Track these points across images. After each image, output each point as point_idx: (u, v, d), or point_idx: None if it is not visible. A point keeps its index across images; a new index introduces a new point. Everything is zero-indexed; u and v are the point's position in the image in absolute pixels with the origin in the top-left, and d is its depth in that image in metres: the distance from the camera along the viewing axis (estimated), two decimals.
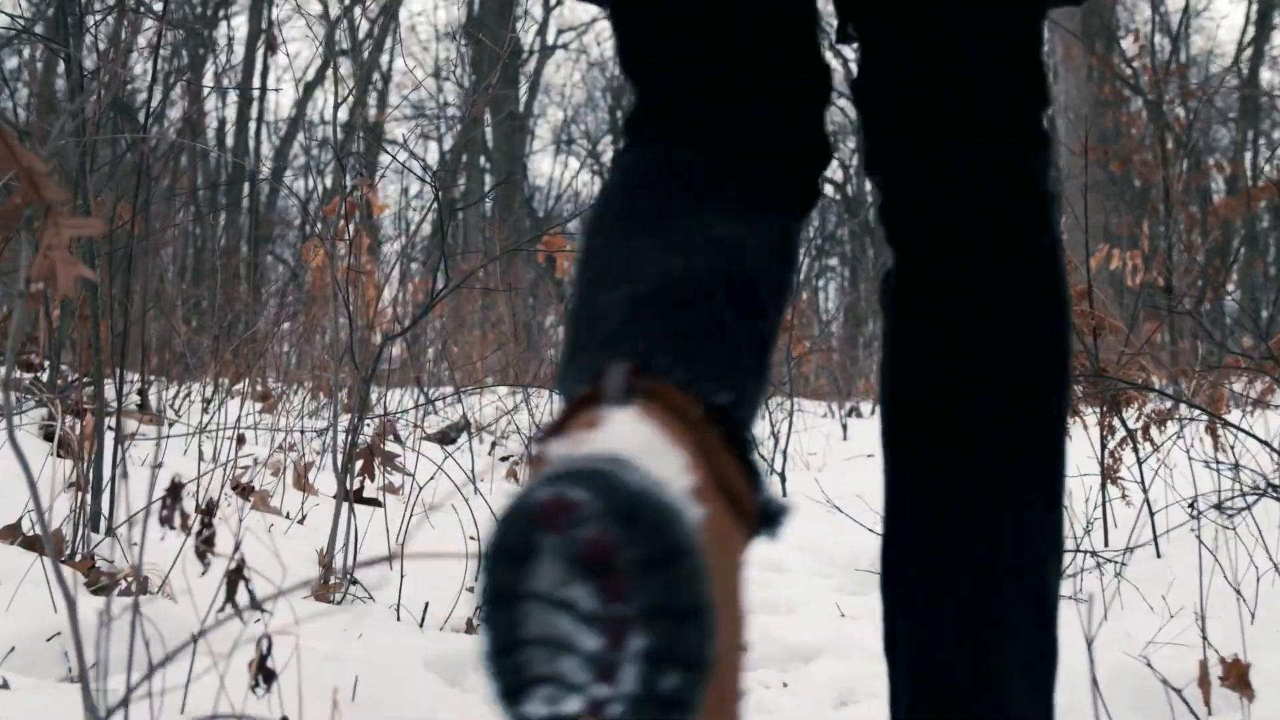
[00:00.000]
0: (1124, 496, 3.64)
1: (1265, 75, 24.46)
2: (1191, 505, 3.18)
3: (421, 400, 6.25)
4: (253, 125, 28.05)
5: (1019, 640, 1.40)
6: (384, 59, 30.84)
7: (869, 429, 6.91)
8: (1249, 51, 23.72)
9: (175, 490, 1.45)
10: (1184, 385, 3.91)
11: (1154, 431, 3.66)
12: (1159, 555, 3.47)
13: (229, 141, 27.37)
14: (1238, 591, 2.70)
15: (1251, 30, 23.90)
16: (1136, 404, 3.64)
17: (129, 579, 2.14)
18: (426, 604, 2.56)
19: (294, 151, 29.41)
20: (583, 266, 1.35)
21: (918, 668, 1.43)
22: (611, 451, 0.96)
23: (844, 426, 6.95)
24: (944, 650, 1.40)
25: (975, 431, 1.41)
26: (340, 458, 2.57)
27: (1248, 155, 23.05)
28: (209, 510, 1.50)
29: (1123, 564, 3.22)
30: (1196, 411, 3.65)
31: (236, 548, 1.49)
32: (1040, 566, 1.42)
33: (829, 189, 32.75)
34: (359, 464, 4.15)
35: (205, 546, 1.47)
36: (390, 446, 4.59)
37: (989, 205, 1.46)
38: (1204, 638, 2.29)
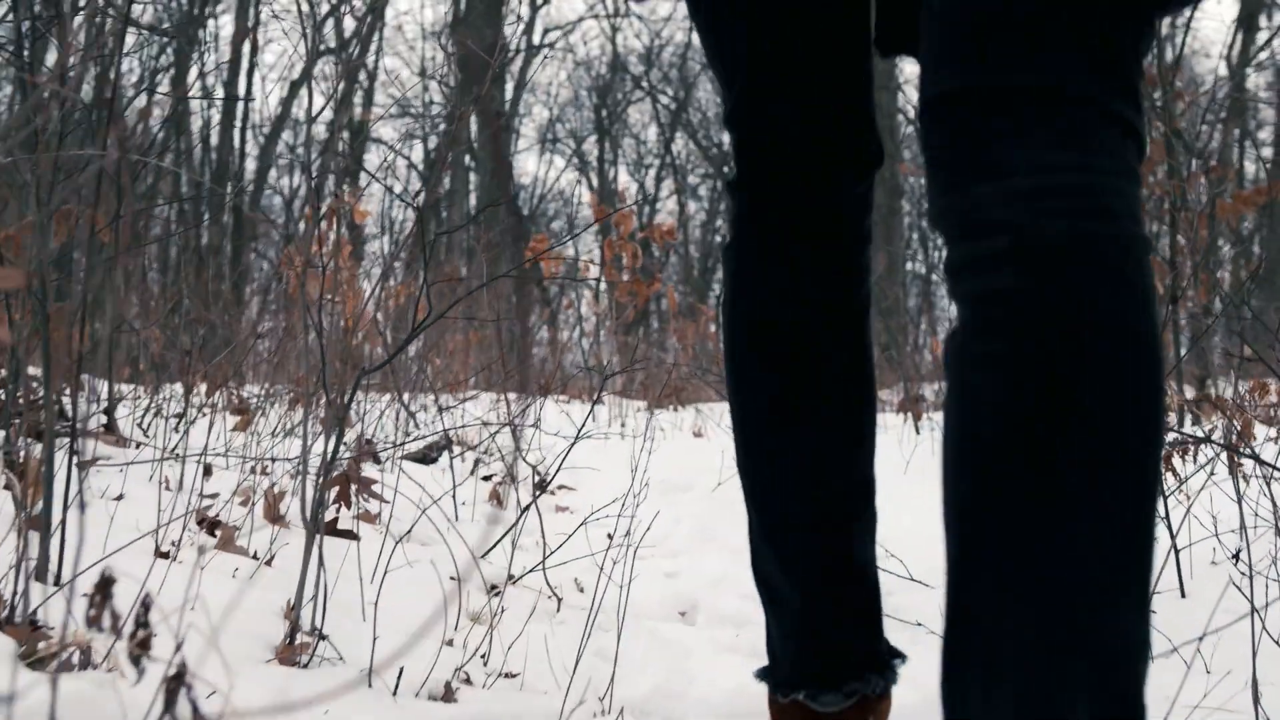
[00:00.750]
0: None
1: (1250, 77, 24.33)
2: (1236, 557, 2.95)
3: (404, 416, 6.02)
4: (238, 124, 27.80)
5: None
6: (370, 58, 30.62)
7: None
8: (1236, 50, 23.57)
9: (104, 587, 1.23)
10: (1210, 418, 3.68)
11: (1176, 462, 3.45)
12: (1184, 595, 3.26)
13: (214, 140, 27.17)
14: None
15: (1235, 31, 23.75)
16: None
17: (74, 649, 1.90)
18: (401, 669, 2.32)
19: (279, 149, 29.22)
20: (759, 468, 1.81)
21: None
22: None
23: None
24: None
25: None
26: (310, 499, 2.33)
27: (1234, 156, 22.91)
28: (145, 606, 1.28)
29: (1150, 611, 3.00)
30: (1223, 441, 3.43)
31: (178, 648, 1.27)
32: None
33: None
34: (334, 491, 3.93)
35: (140, 650, 1.25)
36: (368, 472, 4.36)
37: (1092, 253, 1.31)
38: (1257, 703, 2.08)
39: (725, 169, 29.57)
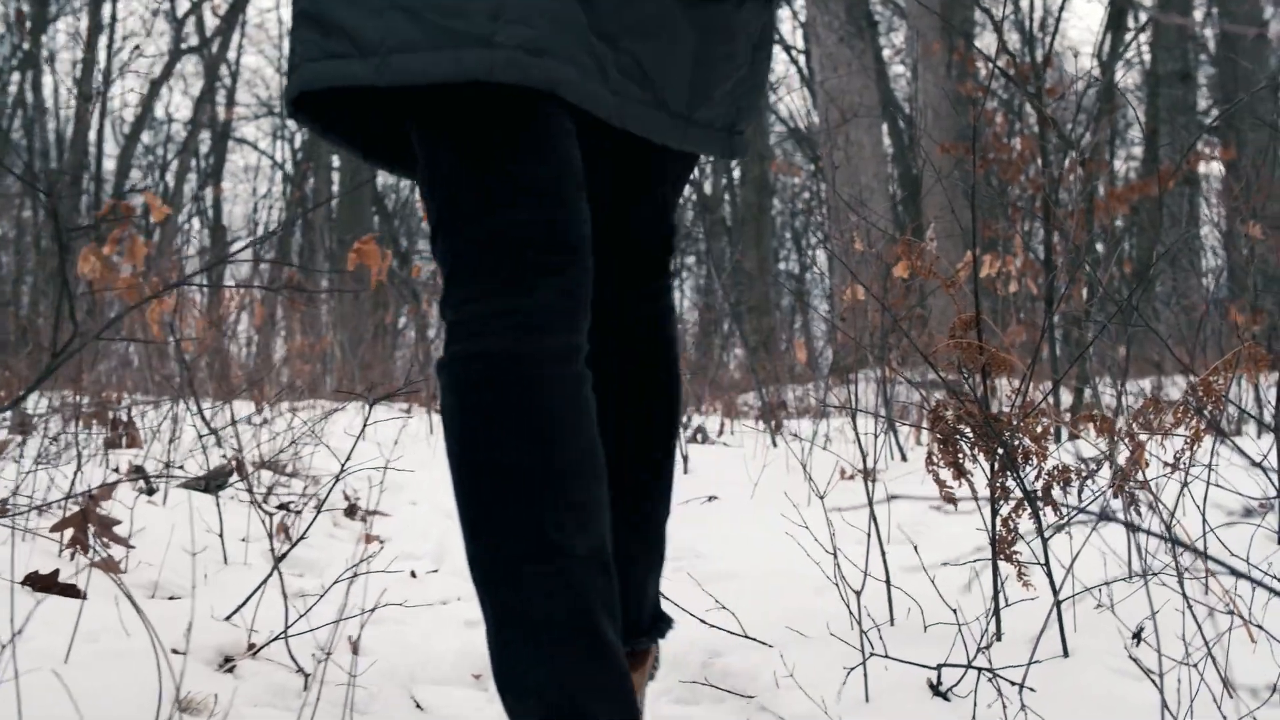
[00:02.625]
0: (1022, 577, 2.84)
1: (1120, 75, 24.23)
2: (1138, 637, 2.32)
3: (203, 428, 5.32)
4: (95, 123, 26.80)
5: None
6: (232, 55, 29.73)
7: (717, 457, 6.07)
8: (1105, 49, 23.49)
9: None
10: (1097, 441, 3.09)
11: (1057, 492, 2.87)
12: (1066, 653, 2.68)
13: (68, 138, 26.17)
14: None
15: (1104, 30, 23.67)
16: (1036, 458, 2.85)
17: None
18: None
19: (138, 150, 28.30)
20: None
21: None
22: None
23: (684, 459, 5.65)
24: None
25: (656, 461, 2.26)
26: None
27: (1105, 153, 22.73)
28: None
29: (1026, 688, 2.40)
30: (1116, 471, 2.85)
31: None
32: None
33: (685, 188, 32.02)
34: (66, 535, 3.27)
35: None
36: (119, 505, 3.67)
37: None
38: None
39: None
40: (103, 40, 26.61)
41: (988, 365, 2.88)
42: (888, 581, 3.07)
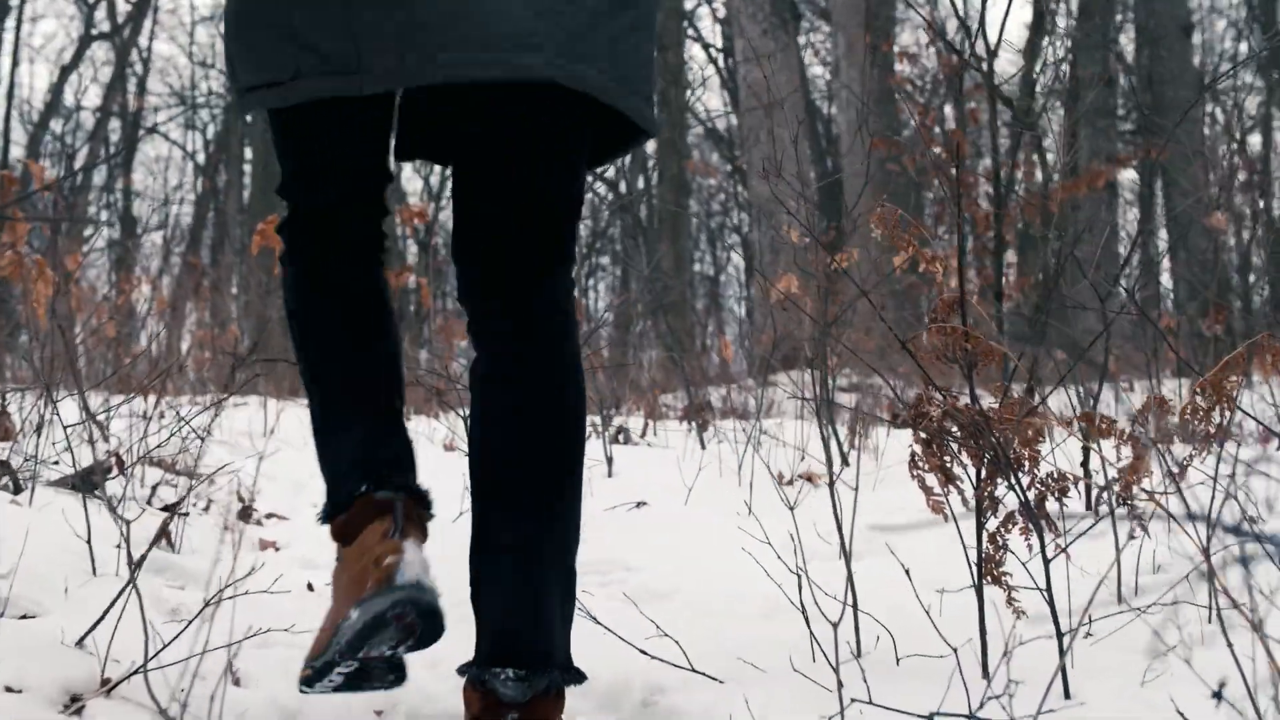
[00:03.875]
0: (1013, 604, 2.43)
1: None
2: (1219, 696, 1.82)
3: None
4: (1, 108, 26.03)
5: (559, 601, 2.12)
6: (144, 42, 28.97)
7: (642, 459, 5.61)
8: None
9: None
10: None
11: (1052, 504, 2.46)
12: (1068, 695, 2.27)
13: None
14: None
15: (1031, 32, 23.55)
16: (1028, 464, 2.44)
17: None
18: None
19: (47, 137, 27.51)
20: (321, 385, 2.30)
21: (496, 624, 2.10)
22: (417, 579, 1.93)
23: (609, 460, 5.16)
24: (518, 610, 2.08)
25: (538, 473, 2.12)
26: None
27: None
28: None
29: None
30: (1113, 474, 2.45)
31: None
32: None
33: (601, 187, 31.71)
34: None
35: None
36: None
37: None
38: None
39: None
40: (9, 23, 25.77)
41: (973, 357, 2.47)
42: (855, 606, 2.64)
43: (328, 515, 2.23)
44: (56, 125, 28.09)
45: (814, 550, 3.31)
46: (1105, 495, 2.66)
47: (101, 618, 2.35)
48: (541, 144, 2.12)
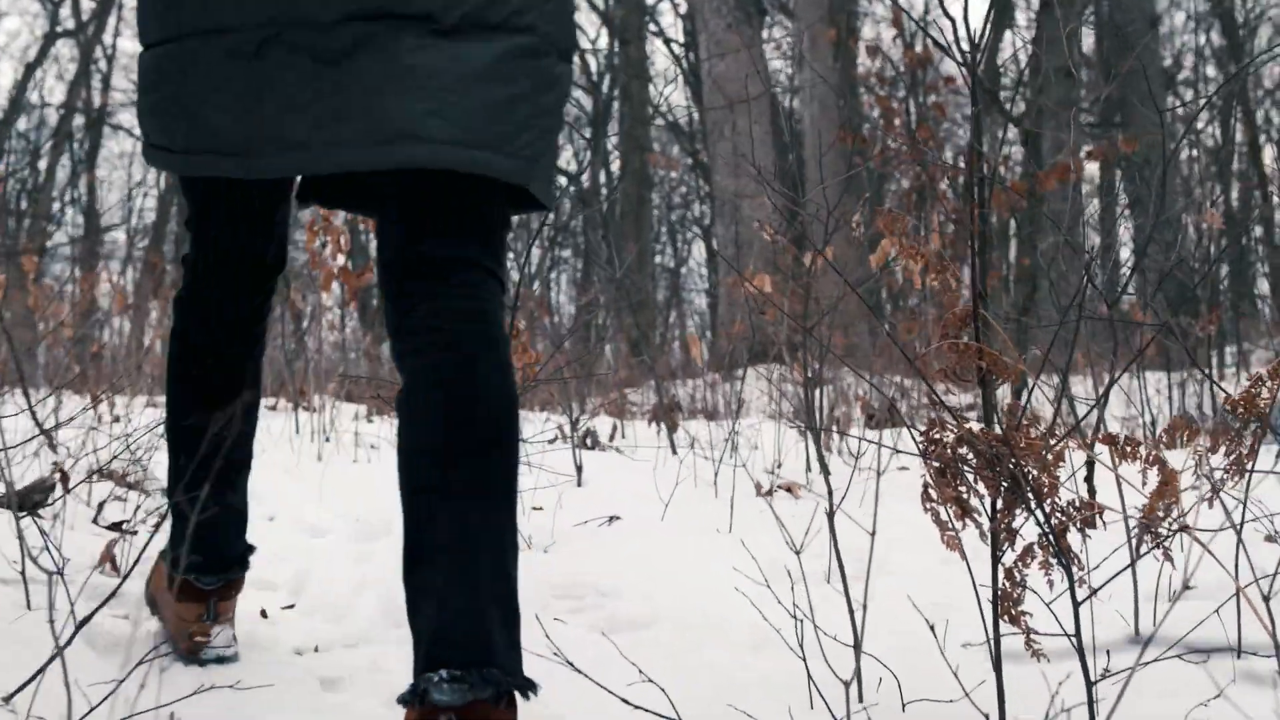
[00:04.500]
0: (1031, 646, 2.19)
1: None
2: None
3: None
4: None
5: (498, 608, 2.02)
6: (108, 39, 28.54)
7: (611, 466, 5.33)
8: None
9: None
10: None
11: (1074, 537, 2.22)
12: None
13: None
14: None
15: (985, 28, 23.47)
16: (1048, 492, 2.20)
17: None
18: None
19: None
20: None
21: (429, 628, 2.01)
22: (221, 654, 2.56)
23: (577, 469, 4.80)
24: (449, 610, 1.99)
25: (479, 474, 2.08)
26: None
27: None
28: None
29: None
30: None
31: None
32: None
33: (562, 180, 31.43)
34: None
35: None
36: None
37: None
38: None
39: None
40: None
41: (986, 374, 2.23)
42: (858, 646, 2.41)
43: (168, 561, 2.78)
44: (22, 123, 27.65)
45: (801, 571, 3.08)
46: (1127, 524, 2.42)
47: (28, 681, 2.08)
48: (453, 199, 2.22)
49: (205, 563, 2.66)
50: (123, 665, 2.39)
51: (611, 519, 4.06)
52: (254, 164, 2.14)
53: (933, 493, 2.18)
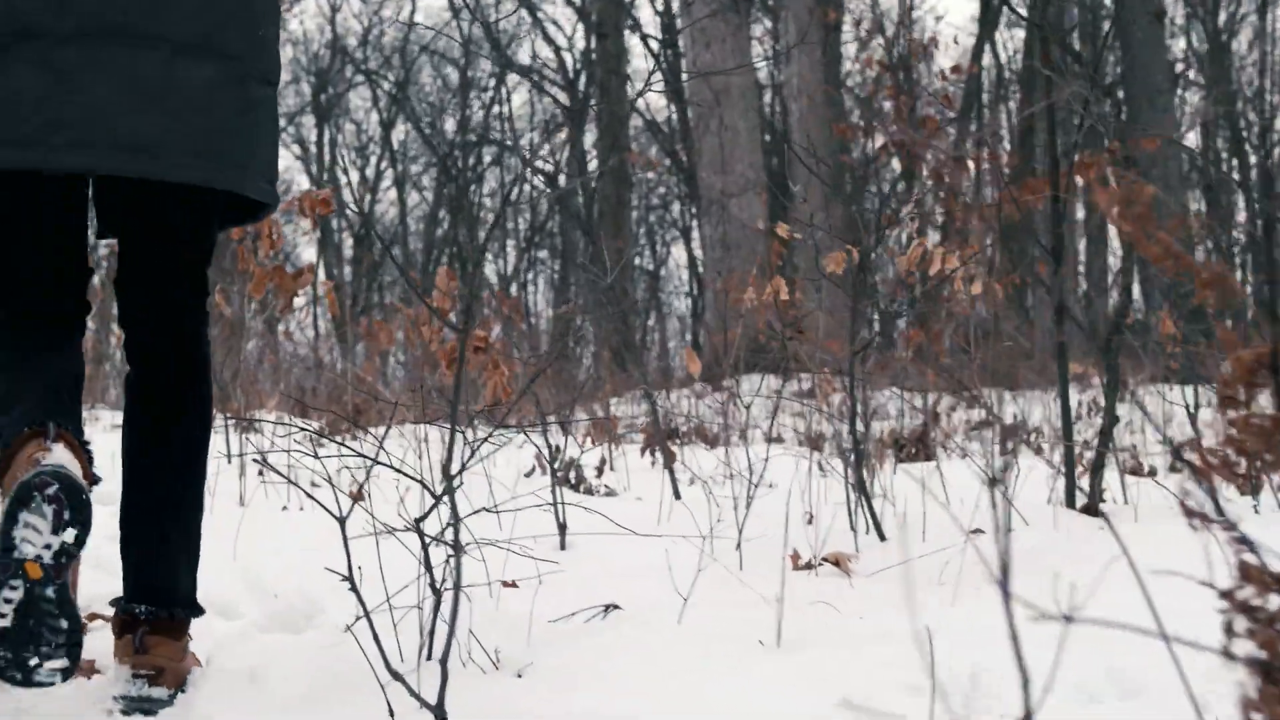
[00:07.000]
0: None
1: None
2: None
3: None
4: None
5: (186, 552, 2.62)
6: None
7: (604, 524, 4.21)
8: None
9: None
10: None
11: None
12: None
13: None
14: None
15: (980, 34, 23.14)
16: None
17: None
18: None
19: None
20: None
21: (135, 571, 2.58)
22: (61, 463, 2.21)
23: (561, 529, 3.80)
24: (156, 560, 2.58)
25: (173, 460, 2.60)
26: None
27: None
28: None
29: None
30: None
31: None
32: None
33: (539, 180, 30.47)
34: None
35: None
36: None
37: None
38: None
39: (448, 159, 28.19)
40: None
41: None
42: None
43: None
44: None
45: (892, 706, 2.03)
46: None
47: None
48: (175, 218, 2.57)
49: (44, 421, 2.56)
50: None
51: (608, 609, 2.93)
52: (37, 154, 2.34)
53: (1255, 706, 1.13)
